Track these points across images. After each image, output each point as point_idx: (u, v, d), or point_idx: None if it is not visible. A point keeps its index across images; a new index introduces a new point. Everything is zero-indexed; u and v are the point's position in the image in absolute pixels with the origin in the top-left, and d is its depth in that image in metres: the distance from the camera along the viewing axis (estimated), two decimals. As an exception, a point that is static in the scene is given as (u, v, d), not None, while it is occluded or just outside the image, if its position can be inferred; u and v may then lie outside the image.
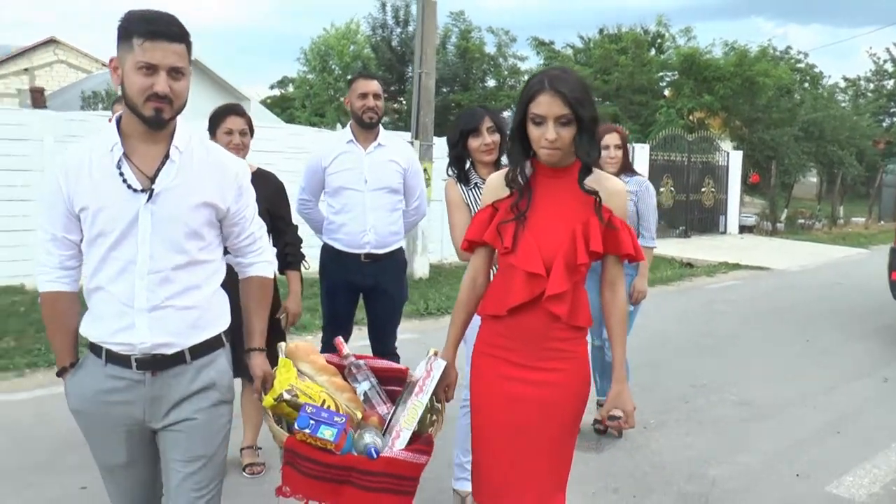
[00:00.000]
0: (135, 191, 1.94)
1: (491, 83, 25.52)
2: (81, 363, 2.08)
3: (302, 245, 3.81)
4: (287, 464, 2.14)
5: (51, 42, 31.77)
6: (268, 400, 2.18)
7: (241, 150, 3.60)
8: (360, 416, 2.30)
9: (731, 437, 4.55)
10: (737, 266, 12.47)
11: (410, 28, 26.19)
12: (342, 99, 31.10)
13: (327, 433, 2.07)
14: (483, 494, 2.32)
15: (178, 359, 2.01)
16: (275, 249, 2.81)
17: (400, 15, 27.21)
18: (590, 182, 2.19)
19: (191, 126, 2.08)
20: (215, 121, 3.65)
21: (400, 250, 4.07)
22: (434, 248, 11.79)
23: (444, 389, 2.38)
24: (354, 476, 2.09)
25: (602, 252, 2.21)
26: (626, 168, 4.43)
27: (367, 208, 3.89)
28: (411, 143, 11.11)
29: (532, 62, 25.22)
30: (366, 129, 3.91)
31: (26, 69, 29.84)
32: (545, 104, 2.08)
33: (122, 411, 2.01)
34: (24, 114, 9.22)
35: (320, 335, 4.21)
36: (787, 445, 4.41)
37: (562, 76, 2.12)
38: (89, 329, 2.03)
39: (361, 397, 2.38)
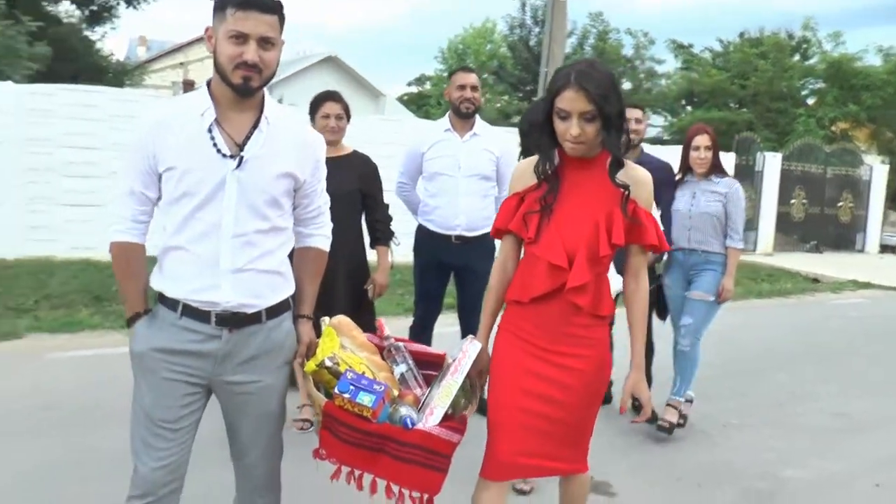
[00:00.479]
0: (224, 156, 1.99)
1: (627, 85, 25.21)
2: (154, 313, 2.12)
3: (391, 223, 4.07)
4: (325, 428, 2.19)
5: (202, 39, 33.94)
6: (310, 365, 2.22)
7: (337, 132, 3.85)
8: (396, 393, 2.33)
9: (816, 444, 4.47)
10: (867, 285, 11.82)
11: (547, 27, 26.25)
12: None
13: (366, 399, 2.11)
14: (492, 468, 2.28)
15: (255, 318, 2.08)
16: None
17: (538, 14, 27.24)
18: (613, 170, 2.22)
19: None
20: (315, 106, 3.92)
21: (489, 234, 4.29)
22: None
23: (478, 374, 2.39)
24: (389, 445, 2.12)
25: (623, 243, 2.23)
26: (715, 169, 4.50)
27: (459, 193, 4.17)
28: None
29: (670, 65, 24.80)
30: (463, 118, 4.21)
31: (181, 63, 32.15)
32: (569, 100, 2.10)
33: (193, 363, 2.07)
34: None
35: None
36: (875, 458, 4.30)
37: (588, 71, 2.12)
38: (164, 285, 2.07)
39: (398, 378, 2.42)
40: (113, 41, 19.00)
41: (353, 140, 4.05)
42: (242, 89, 1.96)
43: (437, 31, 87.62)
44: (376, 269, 4.01)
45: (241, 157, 1.99)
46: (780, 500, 3.67)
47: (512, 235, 2.37)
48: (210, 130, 1.99)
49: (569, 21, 25.64)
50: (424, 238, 4.31)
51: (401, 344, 2.51)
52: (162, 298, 2.08)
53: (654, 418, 4.33)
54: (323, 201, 2.30)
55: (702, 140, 4.45)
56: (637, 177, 2.25)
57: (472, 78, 4.25)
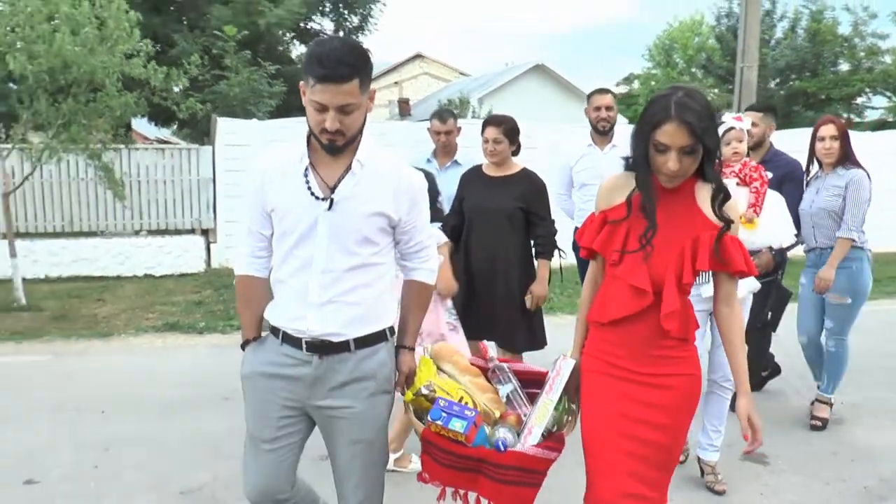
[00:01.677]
0: (317, 198, 2.16)
1: (844, 66, 23.51)
2: (262, 340, 2.35)
3: (555, 237, 4.26)
4: (425, 453, 2.31)
5: (417, 57, 36.04)
6: (408, 395, 2.36)
7: (495, 155, 4.16)
8: (497, 414, 2.40)
9: None
10: None
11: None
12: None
13: (457, 425, 2.21)
14: (595, 498, 2.28)
15: (342, 347, 2.21)
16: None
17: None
18: (701, 195, 2.23)
19: (373, 141, 2.26)
20: (482, 129, 4.21)
21: None
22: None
23: (574, 390, 2.40)
24: (486, 468, 2.22)
25: (708, 268, 2.23)
26: (845, 159, 4.40)
27: None
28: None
29: (894, 39, 22.78)
30: (601, 134, 4.86)
31: (396, 82, 34.35)
32: (670, 134, 2.07)
33: (287, 387, 2.24)
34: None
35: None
36: None
37: (688, 103, 2.08)
38: (271, 314, 2.29)
39: (504, 399, 2.48)
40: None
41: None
42: (329, 149, 2.14)
43: (647, 26, 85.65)
44: (536, 280, 4.20)
45: (332, 200, 2.15)
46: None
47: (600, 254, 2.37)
48: (305, 175, 2.18)
49: (779, 4, 24.62)
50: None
51: (505, 365, 2.61)
52: (271, 327, 2.30)
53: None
54: (425, 236, 2.38)
55: (827, 130, 4.38)
56: (731, 208, 2.25)
57: (606, 99, 4.88)
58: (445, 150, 4.95)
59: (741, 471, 3.90)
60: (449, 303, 3.85)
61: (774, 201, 3.91)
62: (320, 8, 16.54)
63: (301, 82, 2.12)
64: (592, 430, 2.28)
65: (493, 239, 4.14)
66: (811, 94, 22.86)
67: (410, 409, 2.37)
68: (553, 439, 2.29)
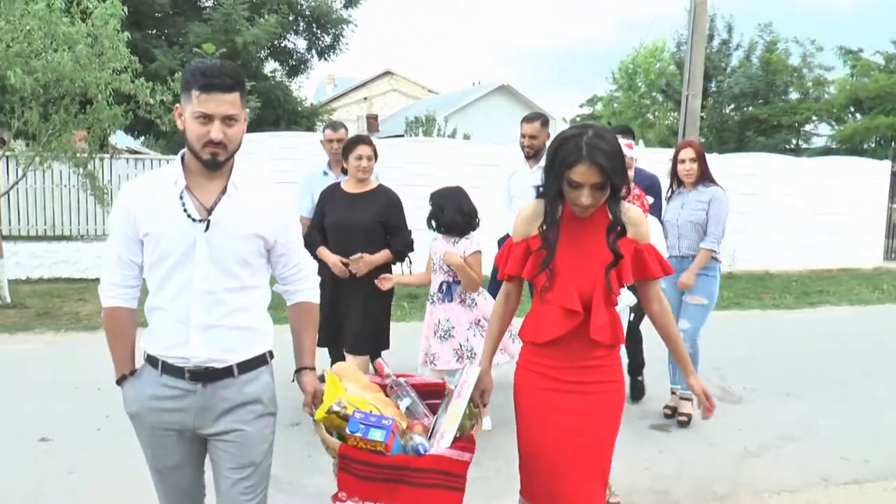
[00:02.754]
0: (193, 220, 2.13)
1: (794, 95, 24.77)
2: (139, 373, 2.27)
3: (411, 248, 4.62)
4: (342, 469, 2.30)
5: (386, 73, 36.71)
6: (319, 413, 2.34)
7: (367, 172, 4.44)
8: (405, 425, 2.46)
9: None
10: None
11: (715, 43, 26.24)
12: (648, 115, 32.25)
13: (377, 435, 2.25)
14: (531, 494, 2.52)
15: (226, 372, 2.19)
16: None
17: (706, 29, 27.07)
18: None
19: (245, 167, 2.26)
20: (349, 148, 4.48)
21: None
22: (697, 256, 12.59)
23: (479, 394, 2.56)
24: (407, 475, 2.25)
25: (632, 281, 2.44)
26: (703, 178, 4.86)
27: None
28: (674, 158, 12.04)
29: (838, 72, 24.08)
30: (529, 158, 5.36)
31: (365, 98, 34.98)
32: (583, 173, 2.21)
33: (175, 418, 2.20)
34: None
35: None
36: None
37: (599, 144, 2.20)
38: (147, 343, 2.22)
39: (404, 411, 2.56)
40: (305, 82, 21.82)
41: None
42: (210, 164, 2.12)
43: (612, 51, 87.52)
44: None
45: (209, 221, 2.14)
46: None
47: (518, 278, 2.53)
48: (181, 197, 2.15)
49: (735, 33, 25.77)
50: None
51: (402, 380, 2.71)
52: (147, 356, 2.24)
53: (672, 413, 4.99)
54: (302, 257, 2.42)
55: (686, 153, 4.86)
56: (630, 218, 2.39)
57: (530, 128, 5.28)
58: (338, 158, 5.17)
59: (648, 438, 4.67)
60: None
61: (652, 226, 4.05)
62: (294, 27, 17.22)
63: (177, 105, 2.16)
64: (526, 442, 2.49)
65: (350, 252, 4.38)
66: (763, 120, 23.98)
67: (322, 427, 2.37)
68: (464, 440, 2.37)
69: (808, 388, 5.88)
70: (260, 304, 2.29)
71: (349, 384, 2.58)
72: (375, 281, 4.37)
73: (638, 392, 5.39)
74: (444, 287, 4.41)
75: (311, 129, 16.86)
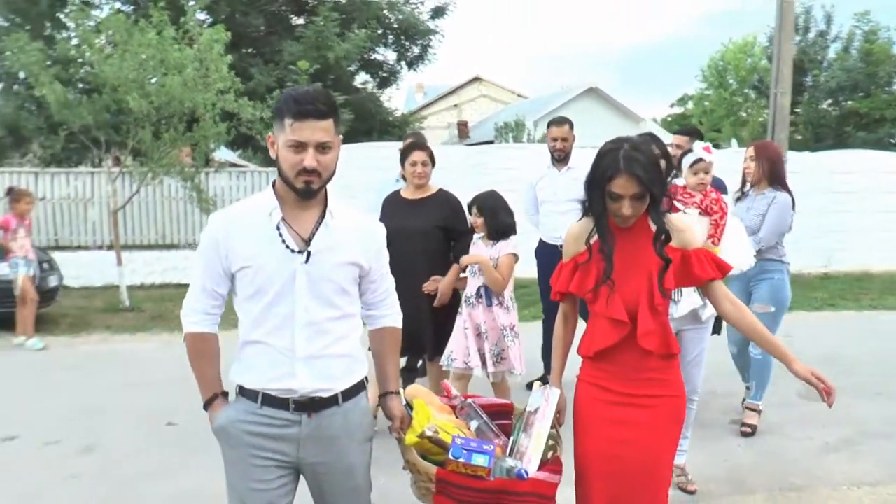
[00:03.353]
0: (292, 252, 2.11)
1: (898, 87, 23.70)
2: (234, 402, 2.22)
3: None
4: (440, 493, 2.32)
5: (475, 79, 37.09)
6: (410, 438, 2.34)
7: (423, 177, 4.42)
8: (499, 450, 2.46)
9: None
10: None
11: (810, 35, 25.45)
12: (740, 113, 31.50)
13: (480, 460, 2.28)
14: None
15: (332, 401, 2.18)
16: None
17: (799, 22, 26.23)
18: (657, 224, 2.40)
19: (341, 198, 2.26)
20: (405, 153, 4.47)
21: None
22: (791, 257, 12.33)
23: (556, 416, 2.56)
24: (505, 498, 2.29)
25: (675, 286, 2.47)
26: (771, 180, 4.68)
27: (558, 213, 5.45)
28: (765, 157, 11.87)
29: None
30: (556, 161, 5.61)
31: (455, 105, 35.46)
32: (622, 186, 2.29)
33: (276, 447, 2.16)
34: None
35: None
36: None
37: (635, 156, 2.28)
38: (244, 377, 2.18)
39: (475, 432, 2.55)
40: (395, 93, 22.47)
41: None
42: (305, 192, 2.10)
43: (703, 48, 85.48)
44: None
45: (309, 252, 2.12)
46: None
47: (571, 295, 2.60)
48: (278, 228, 2.12)
49: (834, 25, 24.88)
50: (540, 247, 5.76)
51: (470, 401, 2.70)
52: (242, 391, 2.20)
53: None
54: (390, 282, 2.43)
55: (749, 151, 4.80)
56: (675, 226, 2.43)
57: (560, 131, 5.52)
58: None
59: (728, 432, 4.77)
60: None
61: (735, 228, 4.10)
62: (383, 40, 17.77)
63: (270, 134, 2.14)
64: (582, 454, 2.51)
65: (422, 256, 4.37)
66: (864, 114, 23.10)
67: (413, 451, 2.37)
68: (553, 462, 2.41)
69: (899, 387, 5.80)
70: (357, 330, 2.29)
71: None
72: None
73: None
74: (484, 290, 4.34)
75: (402, 138, 17.40)
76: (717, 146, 28.05)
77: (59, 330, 8.50)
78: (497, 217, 4.33)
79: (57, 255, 9.98)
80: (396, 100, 37.00)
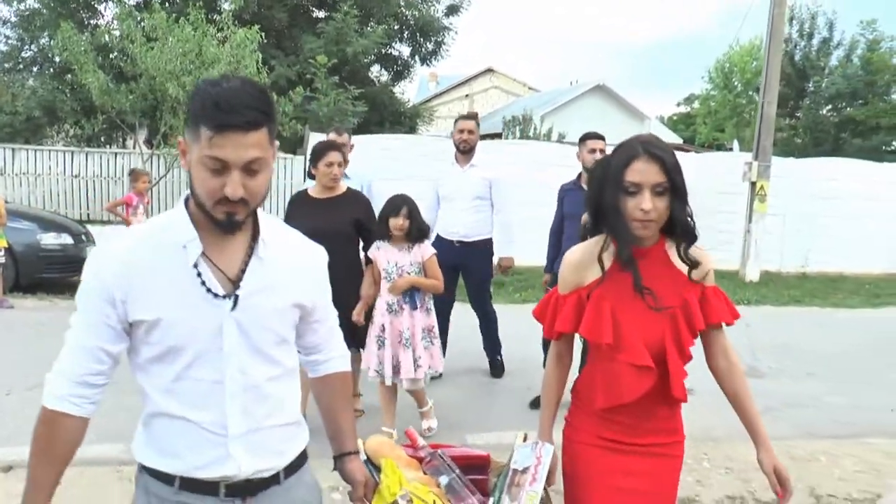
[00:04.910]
0: (215, 296, 1.58)
1: (896, 97, 24.44)
2: (138, 482, 1.68)
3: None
4: None
5: (488, 71, 37.74)
6: None
7: (337, 179, 4.41)
8: None
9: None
10: None
11: (814, 41, 26.14)
12: (744, 115, 32.15)
13: None
14: None
15: (271, 481, 1.69)
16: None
17: (805, 28, 26.84)
18: (673, 253, 2.07)
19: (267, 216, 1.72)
20: (319, 154, 4.36)
21: (485, 240, 5.62)
22: (772, 257, 13.32)
23: (548, 476, 2.20)
24: None
25: (704, 328, 2.09)
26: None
27: (458, 210, 5.55)
28: (750, 163, 12.75)
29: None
30: (462, 154, 5.60)
31: (467, 95, 36.11)
32: (641, 171, 1.94)
33: None
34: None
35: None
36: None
37: (654, 141, 1.99)
38: (156, 461, 1.62)
39: (444, 489, 2.19)
40: (408, 84, 23.27)
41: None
42: (227, 225, 1.56)
43: (713, 48, 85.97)
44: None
45: (237, 296, 1.60)
46: None
47: (569, 335, 2.19)
48: (196, 266, 1.58)
49: (836, 31, 25.53)
50: (437, 243, 5.15)
51: (440, 451, 2.33)
52: (149, 469, 1.65)
53: None
54: (333, 318, 1.94)
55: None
56: (699, 255, 2.08)
57: (468, 124, 5.59)
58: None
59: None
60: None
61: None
62: (399, 36, 18.69)
63: (180, 139, 1.60)
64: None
65: (332, 257, 3.89)
66: (861, 121, 23.83)
67: None
68: None
69: (834, 373, 6.67)
70: (296, 387, 1.79)
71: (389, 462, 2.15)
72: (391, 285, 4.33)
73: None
74: (408, 296, 4.32)
75: (413, 129, 18.32)
76: (719, 147, 28.96)
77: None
78: (419, 219, 4.34)
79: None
80: (409, 89, 37.75)
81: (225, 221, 1.56)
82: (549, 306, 2.20)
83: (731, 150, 19.35)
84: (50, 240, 8.96)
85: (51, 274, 8.95)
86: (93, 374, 1.59)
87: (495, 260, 5.86)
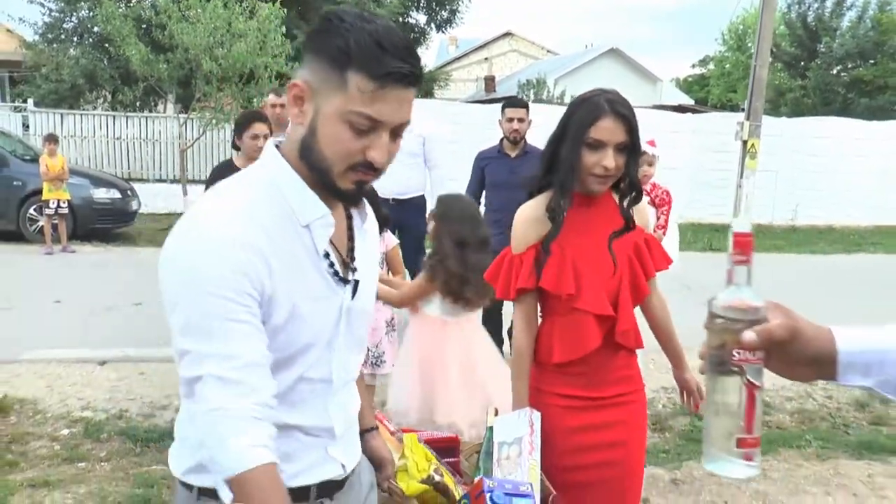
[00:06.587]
0: (343, 283, 1.35)
1: (904, 61, 24.71)
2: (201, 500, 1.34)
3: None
4: None
5: (507, 34, 37.96)
6: (412, 487, 1.86)
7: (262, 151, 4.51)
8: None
9: None
10: None
11: (828, 2, 26.40)
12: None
13: None
14: None
15: (351, 472, 1.50)
16: None
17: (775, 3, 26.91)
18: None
19: None
20: (245, 124, 4.04)
21: (418, 197, 5.41)
22: (764, 211, 14.23)
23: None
24: None
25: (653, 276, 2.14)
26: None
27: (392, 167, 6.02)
28: (742, 123, 13.54)
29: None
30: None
31: (486, 58, 36.42)
32: (608, 130, 1.95)
33: None
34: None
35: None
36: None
37: (619, 99, 2.00)
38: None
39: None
40: (425, 50, 23.84)
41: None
42: (352, 196, 1.31)
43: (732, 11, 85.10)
44: None
45: (357, 282, 1.39)
46: None
47: (532, 292, 2.13)
48: (326, 252, 1.32)
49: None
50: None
51: (416, 434, 2.16)
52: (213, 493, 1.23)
53: None
54: None
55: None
56: (638, 206, 2.15)
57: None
58: (278, 123, 4.85)
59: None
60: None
61: (672, 226, 4.22)
62: (415, 4, 19.52)
63: (299, 81, 1.24)
64: (552, 467, 2.05)
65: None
66: (868, 81, 24.21)
67: (415, 501, 1.90)
68: (553, 501, 2.01)
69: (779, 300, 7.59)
70: None
71: None
72: None
73: None
74: None
75: (429, 93, 19.25)
76: (732, 108, 29.29)
77: (141, 240, 10.54)
78: (381, 208, 3.71)
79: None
80: (426, 56, 38.29)
81: (354, 191, 1.28)
82: (503, 267, 2.17)
83: (742, 110, 19.93)
84: (101, 194, 10.31)
85: (103, 224, 10.33)
86: (273, 394, 1.22)
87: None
